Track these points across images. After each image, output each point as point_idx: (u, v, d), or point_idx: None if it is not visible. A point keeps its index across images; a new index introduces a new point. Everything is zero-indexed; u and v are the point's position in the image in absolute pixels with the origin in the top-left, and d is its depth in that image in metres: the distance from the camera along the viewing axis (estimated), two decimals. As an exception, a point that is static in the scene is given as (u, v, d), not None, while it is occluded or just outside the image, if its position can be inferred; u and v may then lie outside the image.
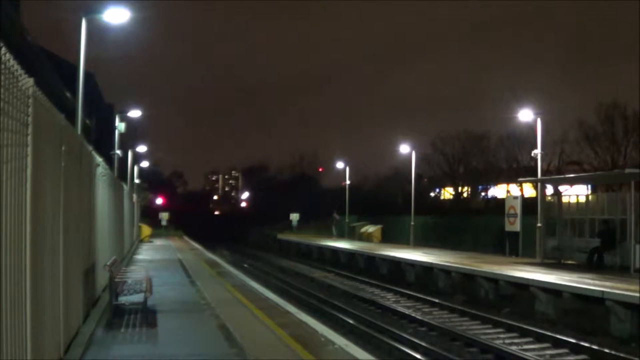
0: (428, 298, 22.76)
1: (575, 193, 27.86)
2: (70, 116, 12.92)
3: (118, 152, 36.69)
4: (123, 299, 12.94)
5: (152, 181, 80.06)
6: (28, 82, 5.84)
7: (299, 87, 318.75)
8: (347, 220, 55.82)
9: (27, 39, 29.91)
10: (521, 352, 14.24)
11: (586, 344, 14.73)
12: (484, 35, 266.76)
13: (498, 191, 63.92)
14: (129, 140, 50.21)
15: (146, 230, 51.48)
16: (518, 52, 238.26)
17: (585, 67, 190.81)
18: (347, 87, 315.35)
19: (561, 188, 27.69)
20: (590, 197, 27.08)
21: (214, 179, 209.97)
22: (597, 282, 18.33)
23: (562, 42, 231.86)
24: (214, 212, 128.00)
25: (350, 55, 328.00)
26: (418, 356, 13.99)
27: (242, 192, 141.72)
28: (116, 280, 12.83)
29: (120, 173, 38.01)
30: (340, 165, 61.86)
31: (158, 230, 61.61)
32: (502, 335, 16.53)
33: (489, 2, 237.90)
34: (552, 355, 14.45)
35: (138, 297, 12.85)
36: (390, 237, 47.29)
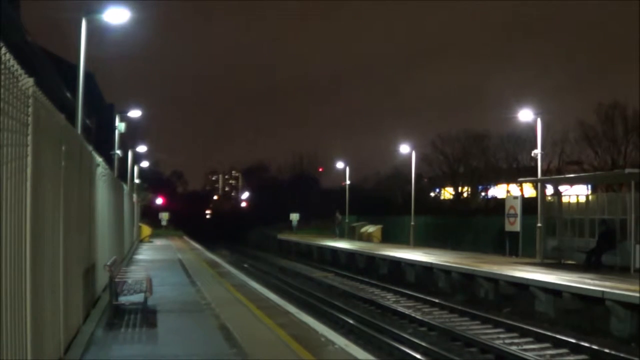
0: (428, 298, 22.77)
1: (576, 193, 27.87)
2: (70, 116, 12.92)
3: (118, 152, 36.71)
4: (123, 299, 12.93)
5: (152, 181, 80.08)
6: (28, 82, 5.84)
7: (300, 87, 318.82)
8: (347, 220, 55.84)
9: (27, 39, 29.94)
10: (521, 352, 14.24)
11: (586, 344, 14.73)
12: (484, 37, 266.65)
13: (498, 191, 63.98)
14: (129, 140, 50.25)
15: (146, 230, 51.45)
16: (518, 53, 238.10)
17: (586, 68, 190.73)
18: (347, 88, 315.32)
19: (561, 188, 27.71)
20: (590, 197, 27.06)
21: (214, 178, 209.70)
22: (597, 282, 18.32)
23: (563, 42, 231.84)
24: (213, 212, 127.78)
25: (351, 57, 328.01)
26: (418, 356, 13.99)
27: (242, 192, 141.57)
28: (116, 280, 12.82)
29: (121, 173, 38.05)
30: (340, 165, 61.88)
31: (158, 230, 61.61)
32: (502, 335, 16.54)
33: (489, 6, 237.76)
34: (552, 355, 14.46)
35: (138, 297, 12.83)
36: (390, 237, 47.29)
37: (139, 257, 31.37)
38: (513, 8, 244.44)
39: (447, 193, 71.38)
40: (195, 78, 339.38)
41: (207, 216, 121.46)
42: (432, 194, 74.09)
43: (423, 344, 15.11)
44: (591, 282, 18.37)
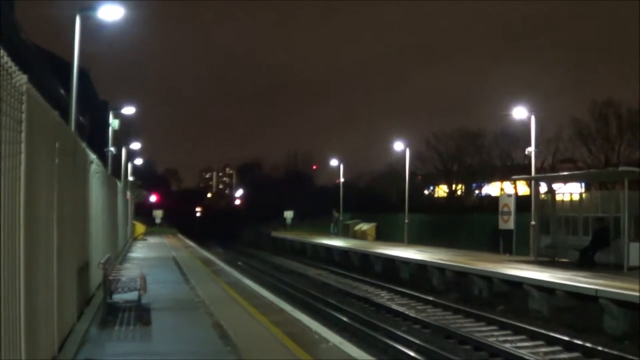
0: (422, 296, 22.79)
1: (569, 191, 27.91)
2: (64, 113, 12.90)
3: (112, 149, 36.65)
4: (117, 297, 12.91)
5: (146, 178, 79.93)
6: (22, 79, 5.82)
7: (294, 86, 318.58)
8: (341, 218, 55.91)
9: (21, 36, 29.86)
10: (515, 349, 14.28)
11: (579, 342, 14.77)
12: (479, 36, 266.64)
13: (492, 189, 64.11)
14: (123, 138, 50.17)
15: (140, 228, 51.44)
16: (512, 52, 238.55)
17: (580, 66, 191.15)
18: (342, 86, 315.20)
19: (555, 186, 27.74)
20: (584, 195, 27.11)
21: (208, 176, 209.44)
22: (590, 280, 18.37)
23: (557, 41, 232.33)
24: (207, 209, 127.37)
25: (347, 56, 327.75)
26: (412, 353, 14.01)
27: (236, 189, 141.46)
28: (110, 278, 12.80)
29: (114, 170, 37.96)
30: (334, 162, 61.89)
31: (152, 227, 61.58)
32: (495, 333, 16.57)
33: (485, 6, 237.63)
34: (545, 353, 14.49)
35: (132, 295, 12.82)
36: (384, 235, 47.31)
37: (133, 254, 31.33)
38: (508, 8, 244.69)
39: (441, 191, 71.54)
40: (190, 76, 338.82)
41: (200, 214, 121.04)
42: (426, 192, 74.24)
43: (417, 341, 15.13)
44: (584, 280, 18.41)
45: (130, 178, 52.51)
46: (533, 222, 27.67)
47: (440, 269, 25.47)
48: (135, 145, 53.85)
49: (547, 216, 26.78)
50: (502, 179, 59.64)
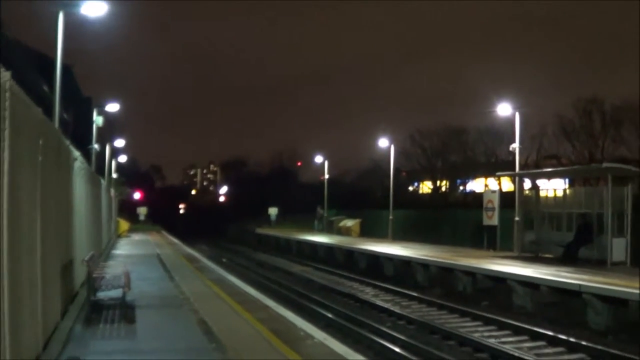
0: (406, 292, 22.85)
1: (553, 187, 28.05)
2: (48, 110, 12.82)
3: (95, 146, 36.48)
4: (101, 295, 12.83)
5: (130, 175, 79.61)
6: (5, 75, 5.78)
7: (279, 82, 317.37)
8: (325, 215, 55.93)
9: (4, 33, 29.63)
10: (499, 344, 14.34)
11: (563, 337, 14.86)
12: (464, 34, 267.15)
13: (476, 185, 64.36)
14: (107, 134, 49.91)
15: (124, 225, 51.25)
16: (498, 47, 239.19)
17: (565, 63, 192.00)
18: (328, 83, 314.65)
19: (539, 182, 27.88)
20: (567, 191, 27.27)
21: (192, 173, 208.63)
22: (574, 275, 18.48)
23: (543, 38, 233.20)
24: (191, 206, 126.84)
25: (334, 54, 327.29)
26: (397, 349, 14.04)
27: (220, 186, 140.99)
28: (94, 275, 12.74)
29: (98, 167, 37.79)
30: (319, 159, 61.84)
31: (136, 225, 61.44)
32: (480, 328, 16.64)
33: (470, 5, 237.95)
34: (529, 348, 14.56)
35: (116, 293, 12.75)
36: (369, 231, 47.37)
37: (117, 252, 31.21)
38: (493, 6, 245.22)
39: (426, 187, 71.74)
40: (175, 73, 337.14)
41: (184, 211, 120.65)
42: (411, 188, 74.41)
43: (401, 337, 15.16)
44: (568, 275, 18.53)
45: (114, 175, 52.30)
46: (517, 218, 27.80)
47: (424, 265, 25.55)
48: (119, 143, 53.53)
49: (531, 212, 26.93)
50: (487, 175, 59.90)
